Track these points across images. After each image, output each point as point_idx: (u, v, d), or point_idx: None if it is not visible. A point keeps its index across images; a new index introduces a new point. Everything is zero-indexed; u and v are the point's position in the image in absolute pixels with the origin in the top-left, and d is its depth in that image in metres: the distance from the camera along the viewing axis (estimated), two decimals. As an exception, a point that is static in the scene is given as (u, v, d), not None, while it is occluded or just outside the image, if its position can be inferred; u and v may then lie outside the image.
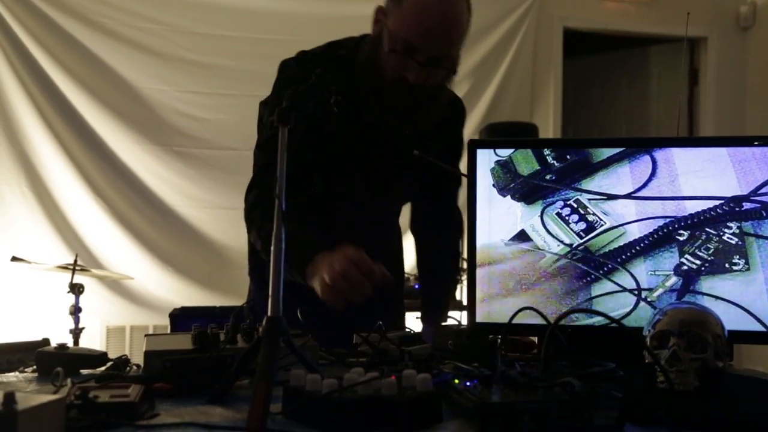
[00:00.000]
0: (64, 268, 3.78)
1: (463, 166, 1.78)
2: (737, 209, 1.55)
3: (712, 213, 1.56)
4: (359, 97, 1.79)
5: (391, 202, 2.12)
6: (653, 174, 1.59)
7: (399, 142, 1.88)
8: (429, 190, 2.08)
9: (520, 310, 1.54)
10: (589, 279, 1.59)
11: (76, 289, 3.68)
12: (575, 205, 1.62)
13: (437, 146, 1.95)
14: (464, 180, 1.75)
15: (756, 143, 1.56)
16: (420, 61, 1.69)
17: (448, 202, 2.15)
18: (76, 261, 3.74)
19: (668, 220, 1.57)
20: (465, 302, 1.77)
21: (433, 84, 1.75)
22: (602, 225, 1.60)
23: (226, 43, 4.94)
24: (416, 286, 4.32)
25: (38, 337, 1.66)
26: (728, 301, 1.54)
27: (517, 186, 1.65)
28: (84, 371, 1.48)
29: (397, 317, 2.13)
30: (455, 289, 2.18)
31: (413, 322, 2.24)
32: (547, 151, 1.65)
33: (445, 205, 2.15)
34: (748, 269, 1.54)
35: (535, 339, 1.75)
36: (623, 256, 1.58)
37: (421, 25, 1.67)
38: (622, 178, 1.61)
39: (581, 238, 1.61)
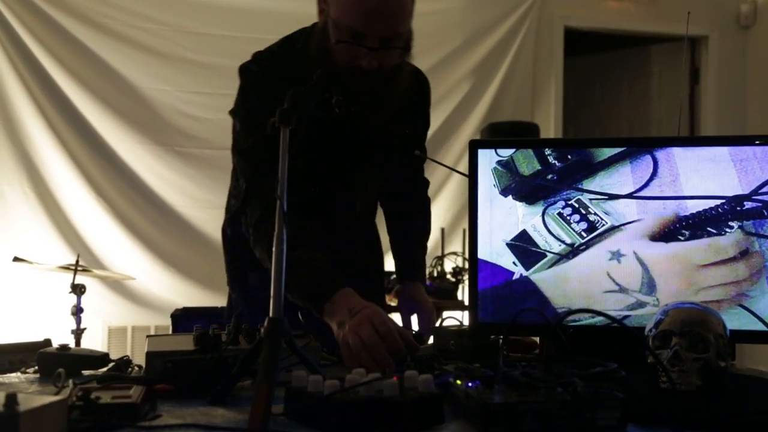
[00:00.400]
0: (66, 268, 3.77)
1: (464, 166, 1.77)
2: (738, 208, 1.55)
3: (713, 212, 1.56)
4: None
5: (370, 194, 2.07)
6: (654, 173, 1.59)
7: (369, 130, 1.82)
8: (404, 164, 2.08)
9: (522, 310, 1.55)
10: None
11: (78, 290, 3.67)
12: (577, 205, 1.62)
13: (407, 125, 1.93)
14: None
15: (757, 142, 1.56)
16: (369, 46, 1.62)
17: (420, 174, 2.17)
18: (77, 261, 3.74)
19: (669, 219, 1.57)
20: (467, 302, 1.77)
21: (389, 66, 1.70)
22: (604, 225, 1.60)
23: (227, 43, 4.94)
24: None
25: (40, 338, 1.66)
26: (729, 300, 1.54)
27: (519, 186, 1.65)
28: (86, 372, 1.48)
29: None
30: (424, 251, 2.18)
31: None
32: (548, 151, 1.65)
33: (409, 175, 2.14)
34: (748, 269, 1.54)
35: (537, 339, 1.75)
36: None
37: (362, 10, 1.60)
38: (623, 177, 1.61)
39: (583, 237, 1.60)
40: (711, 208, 1.56)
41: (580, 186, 1.62)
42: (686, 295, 1.54)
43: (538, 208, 1.63)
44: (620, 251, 1.58)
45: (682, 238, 1.56)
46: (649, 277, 1.57)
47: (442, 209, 5.22)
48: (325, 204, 1.87)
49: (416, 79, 1.95)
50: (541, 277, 1.61)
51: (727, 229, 1.55)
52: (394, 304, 4.40)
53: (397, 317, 4.37)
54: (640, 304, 1.57)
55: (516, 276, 1.63)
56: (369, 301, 1.57)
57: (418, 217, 2.17)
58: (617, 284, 1.58)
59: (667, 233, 1.57)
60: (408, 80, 1.84)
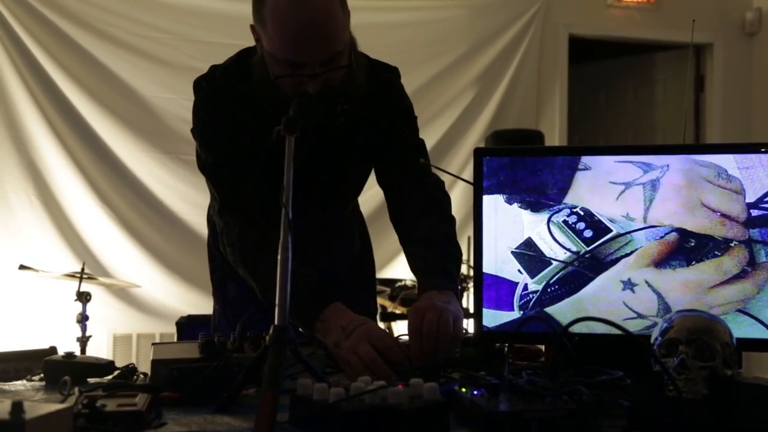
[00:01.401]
0: (72, 276, 3.78)
1: (468, 174, 1.77)
2: (744, 216, 1.55)
3: (719, 220, 1.56)
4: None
5: (345, 197, 1.99)
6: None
7: (335, 135, 1.74)
8: (391, 169, 1.90)
9: (528, 318, 1.54)
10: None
11: (83, 298, 3.68)
12: (582, 213, 1.61)
13: (381, 122, 1.82)
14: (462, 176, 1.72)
15: (763, 150, 1.56)
16: (310, 73, 1.57)
17: (419, 176, 1.90)
18: (83, 269, 3.74)
19: (675, 227, 1.57)
20: (471, 310, 1.76)
21: (336, 83, 1.62)
22: (609, 232, 1.60)
23: (232, 52, 4.93)
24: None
25: (45, 345, 1.66)
26: (736, 309, 1.53)
27: (524, 194, 1.64)
28: (91, 380, 1.48)
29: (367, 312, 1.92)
30: (459, 259, 1.82)
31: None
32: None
33: (417, 184, 1.89)
34: (755, 277, 1.53)
35: (543, 347, 1.74)
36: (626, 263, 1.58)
37: (293, 41, 1.54)
38: (628, 185, 1.60)
39: (588, 245, 1.60)
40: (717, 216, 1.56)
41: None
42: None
43: (543, 216, 1.63)
44: (632, 280, 1.58)
45: (687, 263, 1.56)
46: (665, 303, 1.56)
47: (447, 217, 5.21)
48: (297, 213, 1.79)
49: (377, 77, 1.83)
50: (559, 308, 1.60)
51: (733, 239, 1.54)
52: (399, 311, 4.41)
53: (397, 325, 4.34)
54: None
55: (531, 301, 1.62)
56: (356, 307, 1.56)
57: (425, 216, 1.85)
58: (635, 312, 1.57)
59: (672, 255, 1.56)
60: (364, 83, 1.74)
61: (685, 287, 1.55)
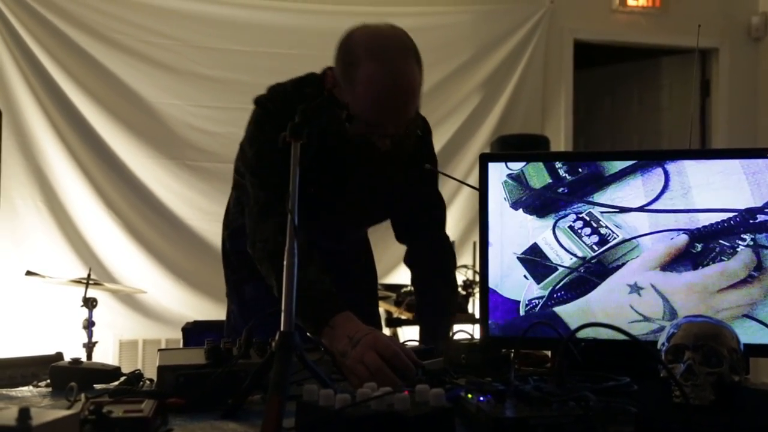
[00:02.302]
0: (78, 282, 3.79)
1: (474, 179, 1.77)
2: (751, 221, 1.54)
3: (725, 225, 1.56)
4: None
5: (365, 222, 2.12)
6: (666, 186, 1.59)
7: (375, 170, 1.88)
8: (414, 218, 2.08)
9: (534, 324, 1.54)
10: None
11: (90, 303, 3.68)
12: (588, 218, 1.61)
13: (409, 173, 1.95)
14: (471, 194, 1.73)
15: (769, 155, 1.55)
16: (382, 133, 1.71)
17: (437, 231, 2.13)
18: (89, 275, 3.75)
19: (681, 232, 1.57)
20: (477, 315, 1.77)
21: (399, 140, 1.76)
22: (615, 238, 1.60)
23: (238, 58, 4.97)
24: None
25: (52, 351, 1.67)
26: (743, 315, 1.53)
27: (529, 199, 1.64)
28: (98, 386, 1.49)
29: (371, 319, 2.11)
30: (452, 320, 2.10)
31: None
32: (558, 164, 1.65)
33: (435, 236, 2.12)
34: (762, 282, 1.53)
35: (549, 353, 1.74)
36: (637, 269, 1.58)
37: (378, 109, 1.67)
38: (634, 190, 1.60)
39: (594, 251, 1.60)
40: (723, 221, 1.55)
41: (591, 199, 1.62)
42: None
43: (549, 222, 1.63)
44: (638, 284, 1.58)
45: (693, 267, 1.55)
46: (670, 306, 1.56)
47: (452, 222, 5.20)
48: (334, 234, 1.92)
49: (421, 132, 1.96)
50: (565, 309, 1.60)
51: (740, 242, 1.54)
52: (404, 317, 4.41)
53: (403, 331, 4.34)
54: (663, 328, 1.56)
55: (530, 306, 1.62)
56: (360, 314, 1.58)
57: (441, 284, 2.10)
58: (641, 315, 1.57)
59: (679, 259, 1.56)
60: (414, 140, 1.86)
61: (691, 291, 1.55)
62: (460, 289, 4.57)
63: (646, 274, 1.57)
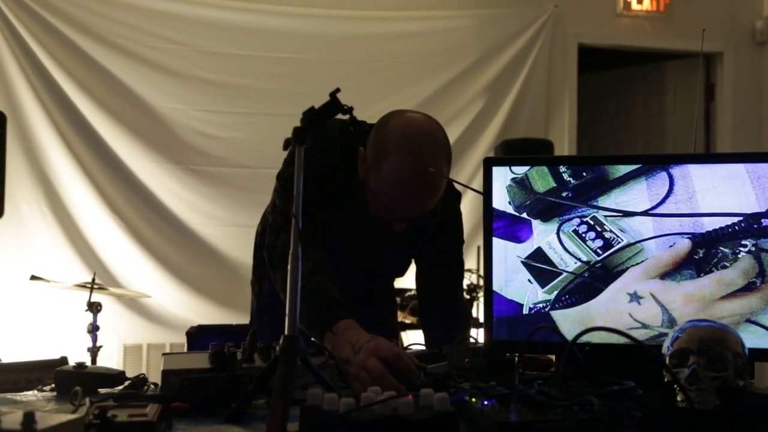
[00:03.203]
0: (82, 286, 3.80)
1: (478, 183, 1.77)
2: (755, 226, 1.54)
3: (729, 230, 1.55)
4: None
5: (375, 275, 2.17)
6: (670, 191, 1.59)
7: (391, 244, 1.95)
8: (431, 281, 2.12)
9: (538, 328, 1.54)
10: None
11: (94, 308, 3.69)
12: (592, 223, 1.61)
13: (435, 239, 2.02)
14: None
15: (774, 159, 1.55)
16: (401, 218, 1.78)
17: (455, 295, 2.15)
18: (94, 279, 3.76)
19: (686, 237, 1.57)
20: (482, 319, 1.77)
21: (417, 223, 1.82)
22: (619, 242, 1.59)
23: (242, 62, 4.99)
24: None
25: (56, 356, 1.67)
26: (748, 320, 1.52)
27: (533, 203, 1.64)
28: (102, 390, 1.49)
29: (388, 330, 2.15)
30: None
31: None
32: (563, 168, 1.64)
33: (451, 299, 2.13)
34: (766, 286, 1.52)
35: (553, 357, 1.74)
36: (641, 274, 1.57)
37: (401, 201, 1.73)
38: (638, 195, 1.60)
39: (598, 255, 1.60)
40: (728, 226, 1.55)
41: (595, 203, 1.62)
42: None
43: (553, 226, 1.63)
44: (637, 293, 1.57)
45: (696, 274, 1.55)
46: (669, 315, 1.56)
47: (457, 226, 5.21)
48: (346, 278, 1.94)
49: (445, 203, 1.96)
50: (564, 314, 1.60)
51: (743, 247, 1.54)
52: (409, 321, 4.41)
53: (406, 334, 4.34)
54: (663, 335, 1.56)
55: (535, 310, 1.62)
56: (375, 325, 1.61)
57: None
58: (640, 323, 1.57)
59: (682, 265, 1.56)
60: (435, 216, 1.90)
61: (689, 300, 1.55)
62: (464, 293, 4.56)
63: (646, 283, 1.57)
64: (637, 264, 1.58)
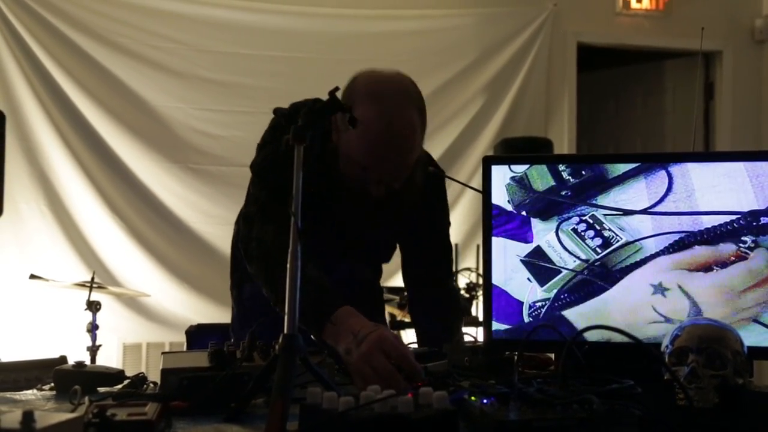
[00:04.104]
0: (82, 285, 3.79)
1: (477, 182, 1.77)
2: (754, 224, 1.54)
3: (728, 228, 1.55)
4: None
5: (369, 260, 2.10)
6: (669, 189, 1.59)
7: (372, 217, 1.87)
8: (418, 262, 2.07)
9: (537, 326, 1.54)
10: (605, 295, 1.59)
11: (93, 307, 3.69)
12: (591, 221, 1.61)
13: (421, 219, 1.96)
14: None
15: (773, 158, 1.55)
16: (377, 179, 1.70)
17: (443, 282, 2.10)
18: (93, 278, 3.76)
19: (685, 235, 1.57)
20: (481, 318, 1.77)
21: (398, 187, 1.75)
22: (618, 240, 1.59)
23: (241, 61, 4.98)
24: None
25: (55, 355, 1.67)
26: (747, 318, 1.52)
27: (533, 202, 1.64)
28: (101, 389, 1.49)
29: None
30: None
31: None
32: (562, 167, 1.65)
33: (439, 286, 2.09)
34: (764, 285, 1.52)
35: (552, 356, 1.74)
36: (638, 271, 1.58)
37: (372, 153, 1.66)
38: (638, 193, 1.60)
39: (597, 253, 1.60)
40: (726, 224, 1.55)
41: (594, 202, 1.62)
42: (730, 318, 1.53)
43: (552, 224, 1.63)
44: (663, 284, 1.57)
45: (704, 271, 1.55)
46: (697, 308, 1.55)
47: (456, 225, 5.17)
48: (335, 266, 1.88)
49: (428, 183, 1.93)
50: (580, 311, 1.60)
51: (742, 244, 1.54)
52: (408, 320, 4.41)
53: (406, 333, 4.34)
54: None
55: (534, 308, 1.62)
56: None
57: (444, 311, 2.06)
58: (663, 316, 1.56)
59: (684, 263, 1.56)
60: (417, 191, 1.85)
61: (717, 291, 1.54)
62: (463, 292, 4.57)
63: (671, 273, 1.56)
64: (638, 262, 1.58)
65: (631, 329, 1.53)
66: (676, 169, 1.59)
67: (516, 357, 1.57)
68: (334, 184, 1.74)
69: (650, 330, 1.56)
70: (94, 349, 3.69)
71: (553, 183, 1.64)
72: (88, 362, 1.58)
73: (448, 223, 2.09)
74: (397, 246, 2.09)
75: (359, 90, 1.69)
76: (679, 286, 1.56)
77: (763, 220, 1.54)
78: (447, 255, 2.10)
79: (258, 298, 1.73)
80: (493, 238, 1.65)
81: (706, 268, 1.55)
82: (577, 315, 1.60)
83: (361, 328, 1.47)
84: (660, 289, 1.57)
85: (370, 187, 1.71)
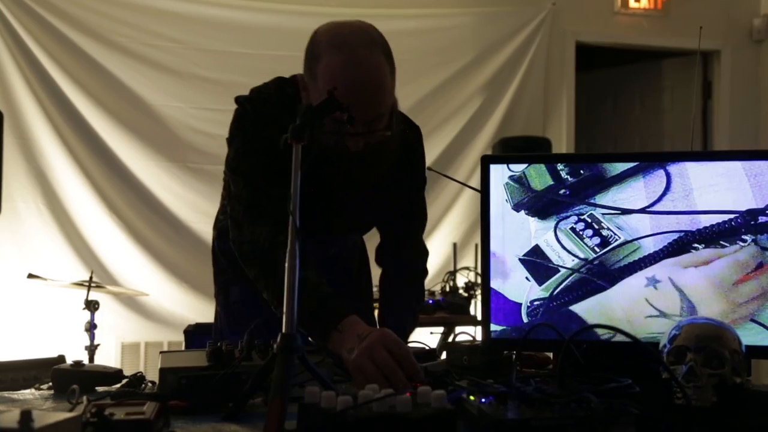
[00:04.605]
0: (80, 284, 3.79)
1: (476, 181, 1.77)
2: (753, 223, 1.54)
3: (726, 227, 1.55)
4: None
5: (353, 229, 2.05)
6: (667, 188, 1.59)
7: (355, 176, 1.81)
8: (393, 225, 2.04)
9: (536, 325, 1.54)
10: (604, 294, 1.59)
11: (92, 306, 3.69)
12: (589, 220, 1.61)
13: (399, 180, 1.90)
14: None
15: (771, 157, 1.55)
16: (353, 132, 1.62)
17: (412, 239, 2.09)
18: (91, 278, 3.75)
19: (683, 234, 1.57)
20: (479, 317, 1.77)
21: (374, 143, 1.68)
22: (617, 240, 1.59)
23: (240, 60, 4.98)
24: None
25: (54, 354, 1.67)
26: (745, 316, 1.53)
27: (531, 201, 1.64)
28: (100, 388, 1.49)
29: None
30: (414, 324, 2.09)
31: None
32: (560, 166, 1.65)
33: (412, 243, 2.09)
34: (763, 282, 1.53)
35: (551, 355, 1.74)
36: (638, 271, 1.58)
37: (344, 101, 1.53)
38: (636, 192, 1.60)
39: (596, 252, 1.60)
40: (725, 222, 1.55)
41: (592, 201, 1.62)
42: (729, 315, 1.53)
43: (551, 223, 1.63)
44: (655, 277, 1.57)
45: (709, 260, 1.55)
46: (689, 302, 1.55)
47: (454, 224, 5.22)
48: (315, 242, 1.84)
49: (405, 138, 1.88)
50: (584, 307, 1.60)
51: (741, 243, 1.54)
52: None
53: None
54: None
55: (532, 307, 1.62)
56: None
57: (404, 291, 2.08)
58: (657, 310, 1.56)
59: (680, 248, 1.56)
60: (395, 148, 1.79)
61: (708, 285, 1.54)
62: (461, 291, 4.57)
63: (664, 267, 1.56)
64: (636, 261, 1.58)
65: (632, 326, 1.54)
66: (674, 169, 1.59)
67: (514, 356, 1.57)
68: (311, 146, 1.56)
69: (651, 326, 1.56)
70: (92, 349, 3.69)
71: (551, 182, 1.64)
72: (86, 361, 1.58)
73: (424, 180, 2.03)
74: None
75: (321, 42, 1.64)
76: (672, 282, 1.56)
77: (761, 219, 1.54)
78: (422, 210, 2.07)
79: (247, 301, 1.71)
80: (491, 238, 1.65)
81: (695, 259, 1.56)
82: (583, 310, 1.59)
83: (365, 330, 1.46)
84: (653, 281, 1.57)
85: (348, 142, 1.64)
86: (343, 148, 1.66)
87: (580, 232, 1.61)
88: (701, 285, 1.55)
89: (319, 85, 1.60)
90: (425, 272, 2.15)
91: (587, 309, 1.59)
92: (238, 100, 1.83)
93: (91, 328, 3.70)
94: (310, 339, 1.55)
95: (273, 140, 1.68)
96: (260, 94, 1.84)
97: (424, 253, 2.14)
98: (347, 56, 1.59)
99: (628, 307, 1.58)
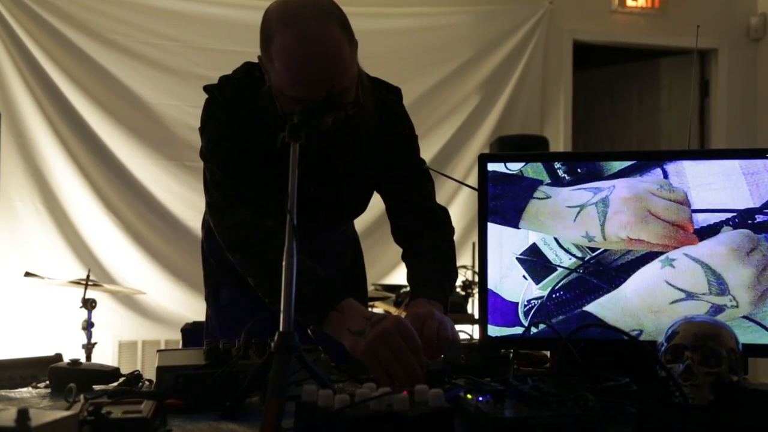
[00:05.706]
0: (77, 283, 3.78)
1: (473, 180, 1.76)
2: (749, 221, 1.54)
3: (723, 225, 1.56)
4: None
5: (345, 218, 1.99)
6: (665, 187, 1.59)
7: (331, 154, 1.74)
8: (394, 191, 1.88)
9: (533, 324, 1.54)
10: (601, 293, 1.59)
11: (89, 304, 3.68)
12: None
13: (384, 146, 1.80)
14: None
15: (768, 155, 1.55)
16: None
17: (422, 198, 1.90)
18: (88, 276, 3.75)
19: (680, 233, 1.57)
20: (477, 316, 1.76)
21: (343, 117, 1.59)
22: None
23: (237, 59, 4.88)
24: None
25: (51, 353, 1.67)
26: (742, 316, 1.53)
27: (529, 200, 1.64)
28: (97, 387, 1.49)
29: None
30: (455, 277, 1.89)
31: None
32: (557, 165, 1.65)
33: (420, 205, 1.89)
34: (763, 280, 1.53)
35: (548, 353, 1.74)
36: (636, 270, 1.58)
37: (299, 79, 1.53)
38: (633, 191, 1.60)
39: (593, 251, 1.60)
40: (721, 221, 1.55)
41: (590, 199, 1.62)
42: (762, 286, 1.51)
43: (548, 222, 1.63)
44: (669, 256, 1.55)
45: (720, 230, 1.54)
46: (714, 273, 1.54)
47: (452, 223, 5.21)
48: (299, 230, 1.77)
49: (382, 105, 1.79)
50: (599, 306, 1.59)
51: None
52: (404, 316, 4.40)
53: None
54: (718, 309, 1.53)
55: (529, 306, 1.62)
56: None
57: (428, 236, 1.87)
58: (681, 290, 1.55)
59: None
60: (371, 110, 1.73)
61: (729, 252, 1.53)
62: (459, 290, 4.57)
63: (661, 270, 1.56)
64: (632, 260, 1.58)
65: (657, 318, 1.53)
66: (671, 167, 1.59)
67: (512, 355, 1.57)
68: (281, 130, 1.45)
69: (679, 312, 1.56)
70: (89, 347, 3.68)
71: (548, 181, 1.64)
72: (83, 360, 1.58)
73: (414, 137, 1.89)
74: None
75: (272, 20, 1.57)
76: (689, 256, 1.54)
77: (758, 218, 1.54)
78: (427, 174, 1.90)
79: (238, 303, 1.70)
80: (489, 236, 1.65)
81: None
82: (596, 307, 1.59)
83: (374, 314, 1.44)
84: (668, 261, 1.56)
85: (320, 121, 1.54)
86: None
87: (578, 231, 1.61)
88: (721, 251, 1.53)
89: (276, 66, 1.55)
90: (452, 230, 1.98)
91: (601, 305, 1.58)
92: (207, 88, 1.79)
93: (88, 326, 3.69)
94: (309, 332, 1.54)
95: (245, 125, 1.68)
96: (228, 80, 1.81)
97: (444, 212, 1.96)
98: (299, 31, 1.51)
99: (646, 295, 1.56)
